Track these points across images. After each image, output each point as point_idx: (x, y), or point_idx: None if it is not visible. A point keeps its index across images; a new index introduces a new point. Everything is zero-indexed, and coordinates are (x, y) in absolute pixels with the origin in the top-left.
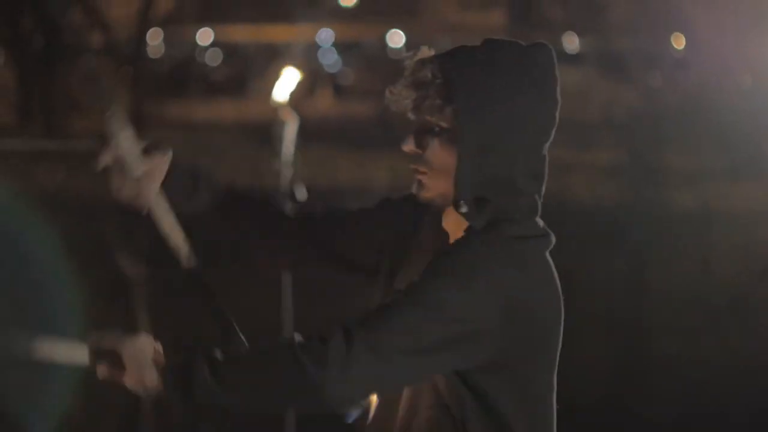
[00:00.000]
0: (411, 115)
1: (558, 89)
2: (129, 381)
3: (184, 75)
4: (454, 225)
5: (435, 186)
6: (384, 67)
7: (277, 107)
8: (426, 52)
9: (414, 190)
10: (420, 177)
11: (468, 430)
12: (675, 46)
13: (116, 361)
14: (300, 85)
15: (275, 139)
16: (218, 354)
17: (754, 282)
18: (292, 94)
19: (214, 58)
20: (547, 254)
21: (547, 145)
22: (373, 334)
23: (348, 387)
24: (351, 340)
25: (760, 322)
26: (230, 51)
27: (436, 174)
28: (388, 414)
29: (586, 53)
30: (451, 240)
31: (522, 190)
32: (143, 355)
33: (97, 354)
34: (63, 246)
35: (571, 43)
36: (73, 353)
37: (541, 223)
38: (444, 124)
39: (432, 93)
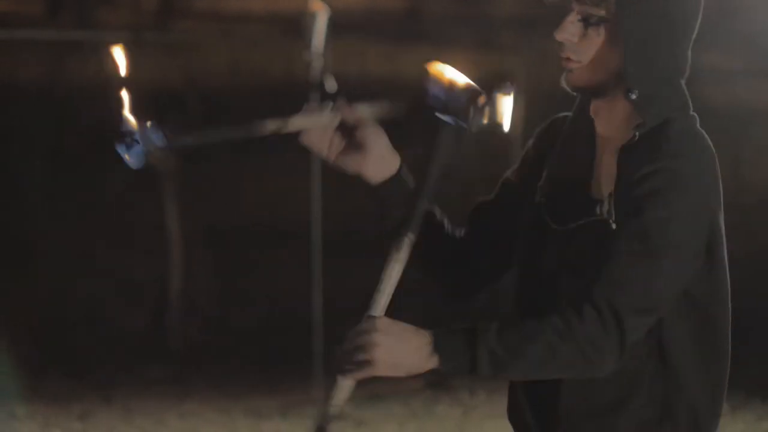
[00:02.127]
0: (570, 5)
1: None
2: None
3: None
4: (609, 117)
5: (587, 76)
6: None
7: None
8: None
9: (563, 79)
10: (572, 65)
11: (664, 336)
12: None
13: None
14: None
15: (306, 31)
16: (492, 329)
17: None
18: None
19: None
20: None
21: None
22: (633, 298)
23: (624, 352)
24: (619, 317)
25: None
26: None
27: (591, 63)
28: None
29: None
30: (605, 132)
31: (677, 84)
32: (401, 345)
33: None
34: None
35: None
36: None
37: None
38: (604, 14)
39: None
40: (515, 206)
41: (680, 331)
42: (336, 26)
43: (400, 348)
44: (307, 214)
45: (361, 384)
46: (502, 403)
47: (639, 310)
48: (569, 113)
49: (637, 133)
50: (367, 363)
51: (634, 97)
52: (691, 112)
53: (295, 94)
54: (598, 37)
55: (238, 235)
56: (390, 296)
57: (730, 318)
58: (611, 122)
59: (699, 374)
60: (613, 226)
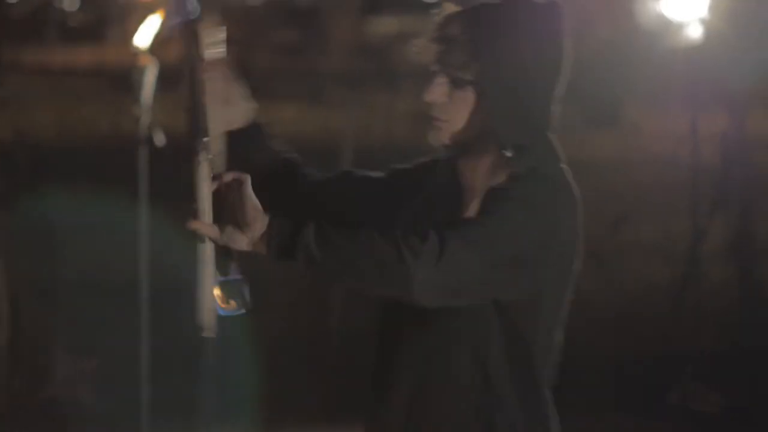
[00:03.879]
0: (434, 67)
1: (566, 43)
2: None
3: (40, 20)
4: (476, 169)
5: (454, 134)
6: (242, 15)
7: (137, 53)
8: (451, 7)
9: (431, 138)
10: (439, 124)
11: (489, 366)
12: None
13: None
14: (160, 31)
15: (135, 85)
16: (325, 225)
17: (608, 232)
18: (153, 41)
19: (71, 4)
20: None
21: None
22: (462, 235)
23: (435, 276)
24: (444, 238)
25: (613, 272)
26: None
27: (457, 123)
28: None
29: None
30: (472, 183)
31: (544, 137)
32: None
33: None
34: None
35: None
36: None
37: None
38: (470, 77)
39: (459, 48)
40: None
41: (498, 354)
42: (164, 81)
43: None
44: (135, 267)
45: None
46: None
47: (464, 241)
48: (425, 159)
49: (508, 182)
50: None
51: (509, 154)
52: (562, 165)
53: (123, 149)
54: (464, 99)
55: (66, 289)
56: (209, 213)
57: (553, 354)
58: (477, 174)
59: (518, 396)
60: None
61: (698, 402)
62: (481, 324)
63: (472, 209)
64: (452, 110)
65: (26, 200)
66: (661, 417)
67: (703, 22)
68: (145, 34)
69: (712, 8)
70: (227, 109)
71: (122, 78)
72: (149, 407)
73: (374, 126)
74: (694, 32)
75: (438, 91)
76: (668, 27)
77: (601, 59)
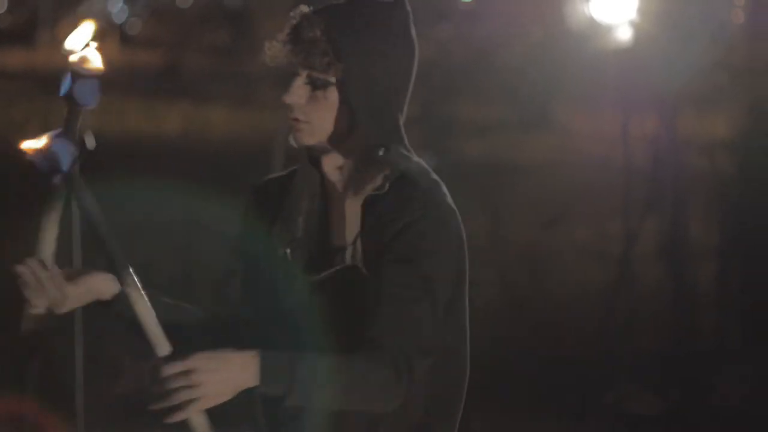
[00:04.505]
0: (296, 70)
1: (415, 40)
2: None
3: None
4: (341, 170)
5: (316, 134)
6: (171, 16)
7: (68, 56)
8: (305, 8)
9: (291, 138)
10: (300, 125)
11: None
12: None
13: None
14: (91, 35)
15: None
16: (308, 357)
17: (541, 235)
18: (85, 44)
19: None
20: None
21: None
22: (422, 346)
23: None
24: (411, 364)
25: (546, 274)
26: None
27: (320, 124)
28: None
29: None
30: (338, 184)
31: (402, 136)
32: (224, 374)
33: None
34: None
35: None
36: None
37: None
38: (332, 79)
39: (320, 49)
40: (257, 269)
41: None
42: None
43: (227, 375)
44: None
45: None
46: None
47: (424, 352)
48: (280, 173)
49: (387, 184)
50: (197, 401)
51: (381, 153)
52: (416, 159)
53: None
54: (326, 99)
55: None
56: (159, 328)
57: (465, 368)
58: (344, 175)
59: (434, 411)
60: (364, 271)
61: (633, 404)
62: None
63: (346, 212)
64: (313, 111)
65: None
66: (597, 419)
67: (632, 24)
68: (76, 38)
69: (641, 10)
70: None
71: (52, 81)
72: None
73: None
74: (624, 34)
75: (298, 92)
76: (598, 29)
77: (531, 62)
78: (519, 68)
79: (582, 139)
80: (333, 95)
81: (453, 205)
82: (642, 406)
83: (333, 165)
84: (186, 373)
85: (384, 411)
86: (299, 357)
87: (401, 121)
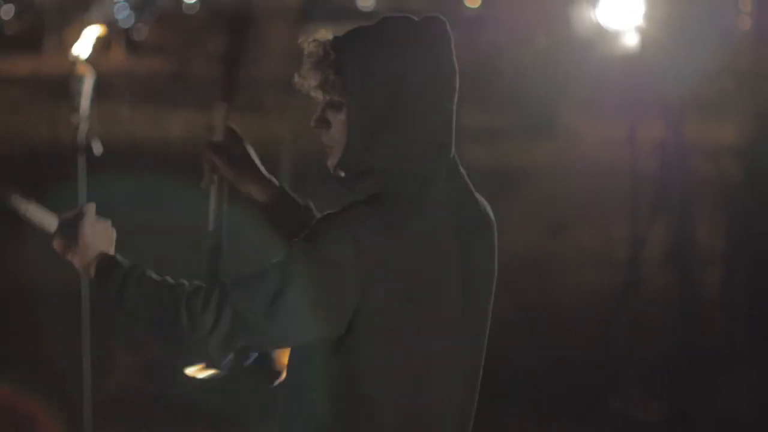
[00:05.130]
0: (316, 95)
1: (453, 58)
2: (75, 258)
3: None
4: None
5: (338, 159)
6: (178, 23)
7: (75, 62)
8: (324, 33)
9: (329, 165)
10: (329, 151)
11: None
12: (468, 5)
13: (72, 236)
14: (98, 40)
15: (73, 94)
16: (143, 272)
17: (548, 240)
18: (91, 50)
19: (6, 12)
20: (436, 221)
21: (449, 112)
22: (241, 300)
23: (211, 346)
24: (222, 305)
25: (552, 280)
26: (24, 5)
27: (341, 147)
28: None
29: (380, 11)
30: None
31: (415, 156)
32: (96, 238)
33: (61, 224)
34: None
35: (365, 1)
36: (46, 219)
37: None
38: (337, 98)
39: (327, 70)
40: None
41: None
42: (102, 90)
43: (91, 242)
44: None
45: None
46: None
47: (237, 311)
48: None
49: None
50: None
51: (342, 175)
52: (430, 187)
53: (61, 157)
54: (337, 121)
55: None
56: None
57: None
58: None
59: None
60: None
61: (639, 409)
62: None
63: None
64: (334, 135)
65: None
66: (602, 425)
67: (639, 30)
68: (83, 44)
69: (648, 16)
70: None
71: (59, 86)
72: (91, 421)
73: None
74: (631, 40)
75: (319, 117)
76: (605, 35)
77: (539, 68)
78: (525, 74)
79: (588, 144)
80: (342, 115)
81: (394, 238)
82: (648, 411)
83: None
84: (78, 216)
85: (179, 340)
86: (137, 266)
87: (417, 141)
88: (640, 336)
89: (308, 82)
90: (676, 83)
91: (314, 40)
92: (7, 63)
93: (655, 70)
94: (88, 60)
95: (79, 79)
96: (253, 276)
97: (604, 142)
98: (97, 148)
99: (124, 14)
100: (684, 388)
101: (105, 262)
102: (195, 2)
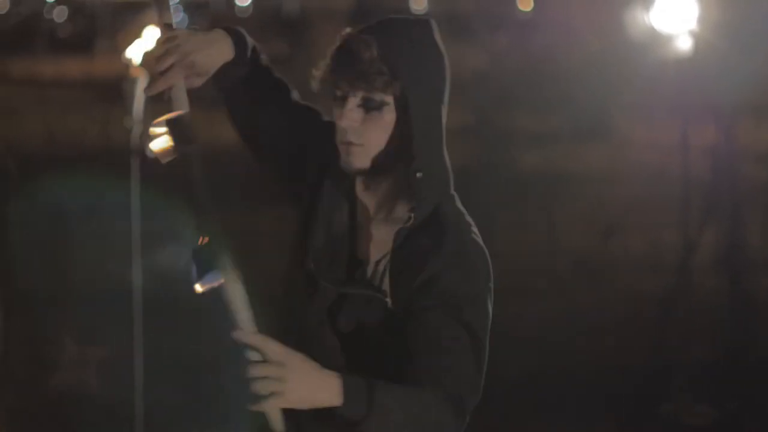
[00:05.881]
0: (345, 93)
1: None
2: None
3: (30, 31)
4: (376, 191)
5: (369, 158)
6: (231, 25)
7: (128, 65)
8: (351, 30)
9: (343, 162)
10: (354, 149)
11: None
12: (521, 8)
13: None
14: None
15: (126, 96)
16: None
17: (598, 244)
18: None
19: (60, 15)
20: None
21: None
22: (474, 391)
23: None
24: (465, 409)
25: (603, 284)
26: (77, 7)
27: (374, 146)
28: None
29: (433, 13)
30: (368, 203)
31: (445, 161)
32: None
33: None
34: None
35: (419, 4)
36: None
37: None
38: (388, 99)
39: (375, 70)
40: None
41: None
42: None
43: (312, 385)
44: (129, 275)
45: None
46: None
47: (475, 395)
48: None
49: (412, 216)
50: (277, 394)
51: (419, 175)
52: (452, 191)
53: (113, 160)
54: (382, 120)
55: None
56: (247, 311)
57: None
58: (376, 196)
59: None
60: (389, 303)
61: (689, 414)
62: None
63: (372, 232)
64: (368, 133)
65: (17, 211)
66: (652, 429)
67: (692, 34)
68: (136, 46)
69: (702, 20)
70: (214, 47)
71: (111, 89)
72: (142, 418)
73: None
74: (684, 44)
75: (352, 115)
76: (658, 39)
77: (591, 71)
78: (577, 78)
79: (640, 148)
80: (389, 115)
81: (482, 245)
82: (699, 417)
83: (366, 186)
84: (277, 364)
85: None
86: (375, 383)
87: (444, 145)
88: (690, 341)
89: (338, 80)
90: (729, 87)
91: (351, 36)
92: (60, 66)
93: (708, 74)
94: (142, 63)
95: (133, 81)
96: (461, 371)
97: (656, 146)
98: (150, 151)
99: (178, 17)
100: (735, 394)
101: (354, 387)
102: (248, 5)
